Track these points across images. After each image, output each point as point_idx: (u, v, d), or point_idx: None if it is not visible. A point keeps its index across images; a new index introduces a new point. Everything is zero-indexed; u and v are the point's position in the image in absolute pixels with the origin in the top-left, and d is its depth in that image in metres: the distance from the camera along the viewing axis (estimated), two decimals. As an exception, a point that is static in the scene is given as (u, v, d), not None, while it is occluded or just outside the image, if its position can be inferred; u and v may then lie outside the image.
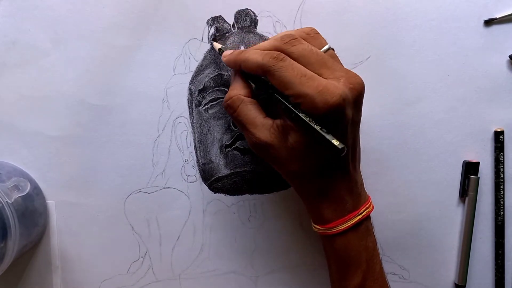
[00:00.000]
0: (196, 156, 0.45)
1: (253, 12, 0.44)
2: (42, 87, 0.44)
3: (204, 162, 0.45)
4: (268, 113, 0.37)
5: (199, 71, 0.44)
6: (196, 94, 0.44)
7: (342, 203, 0.36)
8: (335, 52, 0.37)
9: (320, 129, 0.32)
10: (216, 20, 0.44)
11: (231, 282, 0.46)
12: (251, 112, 0.36)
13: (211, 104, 0.44)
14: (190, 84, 0.44)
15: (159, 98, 0.44)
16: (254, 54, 0.35)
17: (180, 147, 0.45)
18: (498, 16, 0.43)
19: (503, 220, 0.45)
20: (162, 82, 0.44)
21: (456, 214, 0.45)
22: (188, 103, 0.45)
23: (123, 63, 0.44)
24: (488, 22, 0.44)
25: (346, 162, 0.36)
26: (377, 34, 0.44)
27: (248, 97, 0.37)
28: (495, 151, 0.44)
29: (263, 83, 0.36)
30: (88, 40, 0.44)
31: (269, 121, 0.36)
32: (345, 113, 0.33)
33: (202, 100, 0.44)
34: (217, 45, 0.42)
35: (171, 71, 0.44)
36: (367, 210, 0.38)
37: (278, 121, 0.35)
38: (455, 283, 0.45)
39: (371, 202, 0.39)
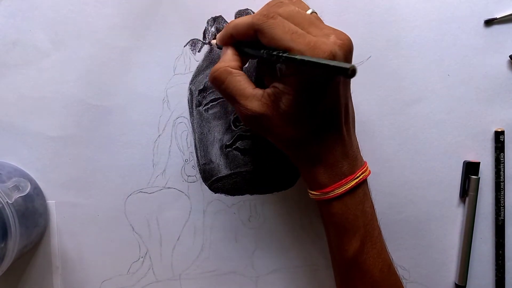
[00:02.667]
0: (197, 156, 0.45)
1: (253, 12, 0.44)
2: (43, 87, 0.44)
3: (204, 162, 0.45)
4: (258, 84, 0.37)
5: (199, 71, 0.44)
6: (197, 94, 0.44)
7: (338, 167, 0.36)
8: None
9: (324, 63, 0.29)
10: (216, 20, 0.44)
11: (231, 282, 0.46)
12: (240, 83, 0.35)
13: (211, 104, 0.44)
14: (190, 84, 0.44)
15: (159, 99, 0.44)
16: (243, 18, 0.35)
17: (181, 147, 0.45)
18: (498, 16, 0.43)
19: (503, 220, 0.45)
20: (163, 83, 0.44)
21: (457, 214, 0.45)
22: (189, 103, 0.45)
23: (124, 64, 0.44)
24: (488, 22, 0.44)
25: (339, 123, 0.36)
26: (377, 35, 0.44)
27: (238, 69, 0.36)
28: (495, 151, 0.44)
29: (254, 46, 0.35)
30: (88, 40, 0.44)
31: (259, 91, 0.35)
32: None
33: (202, 100, 0.44)
34: (214, 41, 0.42)
35: (172, 71, 0.44)
36: (363, 174, 0.37)
37: (268, 90, 0.35)
38: (455, 283, 0.45)
39: (367, 167, 0.38)
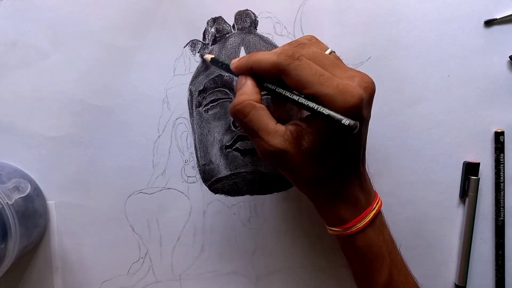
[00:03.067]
0: (196, 157, 0.45)
1: (253, 13, 0.44)
2: (43, 88, 0.44)
3: (204, 163, 0.45)
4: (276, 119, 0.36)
5: (199, 72, 0.44)
6: (196, 95, 0.44)
7: (357, 202, 0.36)
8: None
9: (328, 113, 0.31)
10: (216, 21, 0.44)
11: (231, 283, 0.46)
12: (263, 118, 0.35)
13: (211, 105, 0.44)
14: (190, 85, 0.44)
15: (159, 99, 0.44)
16: (268, 54, 0.34)
17: (180, 148, 0.45)
18: (498, 16, 0.43)
19: (503, 220, 0.45)
20: (162, 83, 0.44)
21: (457, 214, 0.45)
22: (188, 104, 0.45)
23: (123, 64, 0.44)
24: (488, 23, 0.44)
25: (358, 160, 0.36)
26: (377, 35, 0.44)
27: (259, 102, 0.35)
28: (495, 152, 0.44)
29: (276, 84, 0.35)
30: (88, 41, 0.44)
31: (281, 127, 0.35)
32: (362, 113, 0.33)
33: (202, 101, 0.44)
34: (208, 56, 0.42)
35: (171, 72, 0.44)
36: (378, 205, 0.38)
37: (291, 127, 0.34)
38: (455, 284, 0.45)
39: (379, 198, 0.39)
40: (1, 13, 0.44)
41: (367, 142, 0.38)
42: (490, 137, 0.45)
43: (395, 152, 0.45)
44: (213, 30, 0.44)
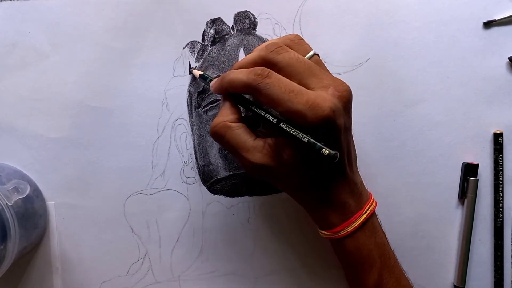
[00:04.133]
0: (196, 158, 0.45)
1: (252, 14, 0.44)
2: (42, 89, 0.44)
3: (203, 164, 0.45)
4: (258, 133, 0.37)
5: (198, 73, 0.44)
6: (196, 96, 0.44)
7: (346, 207, 0.37)
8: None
9: (308, 140, 0.32)
10: (215, 22, 0.44)
11: (230, 284, 0.46)
12: (240, 137, 0.35)
13: (210, 106, 0.44)
14: (189, 86, 0.44)
15: (158, 100, 0.44)
16: (238, 74, 0.34)
17: (180, 149, 0.45)
18: (497, 18, 0.43)
19: (502, 222, 0.45)
20: (162, 84, 0.44)
21: (455, 216, 0.45)
22: (188, 105, 0.45)
23: (123, 65, 0.44)
24: (487, 24, 0.44)
25: (343, 166, 0.36)
26: (376, 36, 0.44)
27: (236, 122, 0.36)
28: (494, 153, 0.44)
29: (250, 103, 0.36)
30: (88, 42, 0.44)
31: (260, 142, 0.35)
32: (336, 123, 0.33)
33: (201, 102, 0.44)
34: (197, 72, 0.42)
35: (171, 73, 0.44)
36: (370, 208, 0.38)
37: (269, 140, 0.35)
38: (454, 285, 0.45)
39: (373, 199, 0.39)
40: (0, 14, 0.44)
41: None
42: (489, 138, 0.45)
43: (394, 153, 0.45)
44: (212, 31, 0.44)
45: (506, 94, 0.44)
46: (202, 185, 0.45)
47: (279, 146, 0.34)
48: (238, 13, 0.44)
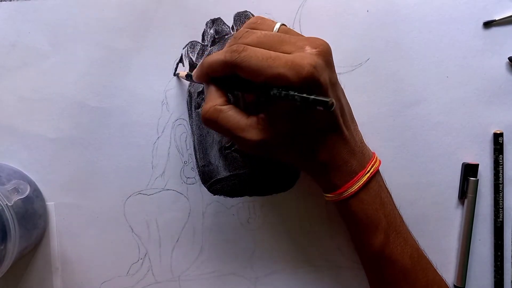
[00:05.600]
0: (196, 158, 0.45)
1: (252, 14, 0.44)
2: (42, 89, 0.44)
3: (203, 164, 0.45)
4: (249, 110, 0.37)
5: (198, 73, 0.44)
6: (196, 96, 0.44)
7: (347, 166, 0.37)
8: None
9: (301, 97, 0.31)
10: (215, 22, 0.44)
11: (230, 284, 0.46)
12: (233, 118, 0.35)
13: (210, 106, 0.44)
14: (189, 86, 0.44)
15: (158, 100, 0.44)
16: (215, 56, 0.35)
17: (180, 149, 0.45)
18: (497, 18, 0.43)
19: (502, 222, 0.45)
20: (162, 85, 0.44)
21: (455, 216, 0.45)
22: (188, 105, 0.45)
23: (123, 66, 0.44)
24: (487, 24, 0.44)
25: (338, 126, 0.36)
26: (376, 36, 0.44)
27: (224, 104, 0.36)
28: (494, 153, 0.44)
29: (235, 82, 0.36)
30: (88, 42, 0.44)
31: (253, 119, 0.35)
32: (320, 79, 0.33)
33: (201, 102, 0.44)
34: (183, 73, 0.42)
35: (171, 73, 0.44)
36: (374, 167, 0.38)
37: (261, 115, 0.35)
38: (454, 285, 0.45)
39: (376, 158, 0.39)
40: (0, 14, 0.44)
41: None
42: (489, 138, 0.45)
43: (394, 153, 0.45)
44: (212, 31, 0.44)
45: (506, 94, 0.44)
46: (202, 185, 0.45)
47: (272, 118, 0.35)
48: (238, 13, 0.44)
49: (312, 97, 0.30)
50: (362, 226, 0.38)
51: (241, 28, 0.37)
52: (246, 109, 0.37)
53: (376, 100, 0.45)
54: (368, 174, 0.37)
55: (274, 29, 0.36)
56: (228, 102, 0.36)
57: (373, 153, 0.39)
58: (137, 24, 0.44)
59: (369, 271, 0.41)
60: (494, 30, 0.44)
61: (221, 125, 0.36)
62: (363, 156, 0.38)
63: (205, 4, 0.44)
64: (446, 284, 0.41)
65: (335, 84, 0.36)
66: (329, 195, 0.38)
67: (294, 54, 0.33)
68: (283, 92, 0.32)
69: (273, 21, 0.37)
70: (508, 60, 0.44)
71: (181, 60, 0.44)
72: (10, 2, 0.44)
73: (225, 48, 0.35)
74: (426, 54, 0.44)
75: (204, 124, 0.37)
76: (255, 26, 0.36)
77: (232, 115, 0.35)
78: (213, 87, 0.37)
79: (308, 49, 0.33)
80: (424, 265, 0.39)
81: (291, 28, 0.37)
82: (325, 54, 0.34)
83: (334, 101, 0.30)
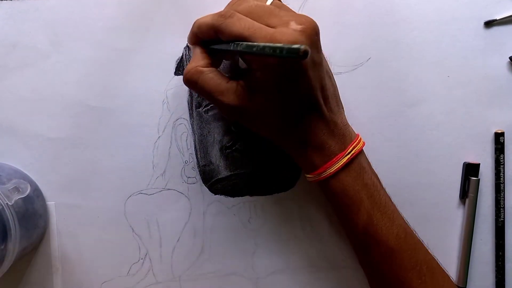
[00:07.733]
0: (196, 157, 0.45)
1: (253, 14, 0.44)
2: (43, 89, 0.44)
3: (204, 163, 0.45)
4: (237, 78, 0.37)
5: (199, 73, 0.44)
6: (196, 95, 0.44)
7: (326, 147, 0.37)
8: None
9: (271, 48, 0.27)
10: (216, 22, 0.44)
11: (231, 284, 0.46)
12: (213, 80, 0.36)
13: (211, 105, 0.44)
14: (190, 86, 0.44)
15: (159, 100, 0.44)
16: (205, 17, 0.36)
17: (180, 148, 0.45)
18: (498, 17, 0.43)
19: (503, 221, 0.45)
20: (162, 84, 0.44)
21: (457, 215, 0.45)
22: (188, 104, 0.45)
23: (123, 65, 0.44)
24: (488, 24, 0.44)
25: (318, 105, 0.36)
26: (377, 36, 0.44)
27: (207, 66, 0.36)
28: (495, 153, 0.44)
29: (216, 43, 0.36)
30: (88, 42, 0.44)
31: (233, 84, 0.36)
32: None
33: (202, 101, 0.44)
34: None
35: (171, 73, 0.44)
36: (355, 148, 0.38)
37: (241, 82, 0.36)
38: (455, 285, 0.45)
39: (360, 139, 0.39)
40: (1, 14, 0.44)
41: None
42: (490, 138, 0.45)
43: (394, 153, 0.45)
44: (213, 31, 0.44)
45: (507, 93, 0.44)
46: (203, 185, 0.45)
47: (250, 88, 0.35)
48: (239, 12, 0.44)
49: (280, 45, 0.27)
50: (344, 206, 0.38)
51: None
52: (236, 77, 0.37)
53: (377, 100, 0.44)
54: (348, 156, 0.37)
55: (268, 1, 0.37)
56: (211, 64, 0.37)
57: (357, 135, 0.39)
58: (138, 24, 0.44)
59: (357, 252, 0.41)
60: (495, 29, 0.44)
61: (201, 87, 0.36)
62: (344, 137, 0.38)
63: (205, 3, 0.44)
64: (438, 263, 0.40)
65: (318, 64, 0.35)
66: (309, 176, 0.39)
67: (276, 29, 0.33)
68: (255, 45, 0.30)
69: None
70: (509, 60, 0.44)
71: (181, 60, 0.44)
72: (10, 1, 0.44)
73: (215, 13, 0.36)
74: (427, 53, 0.44)
75: (185, 84, 0.37)
76: None
77: (213, 77, 0.36)
78: (199, 48, 0.38)
79: (293, 25, 0.33)
80: (413, 245, 0.39)
81: (283, 3, 0.37)
82: (310, 32, 0.33)
83: (308, 49, 0.25)
